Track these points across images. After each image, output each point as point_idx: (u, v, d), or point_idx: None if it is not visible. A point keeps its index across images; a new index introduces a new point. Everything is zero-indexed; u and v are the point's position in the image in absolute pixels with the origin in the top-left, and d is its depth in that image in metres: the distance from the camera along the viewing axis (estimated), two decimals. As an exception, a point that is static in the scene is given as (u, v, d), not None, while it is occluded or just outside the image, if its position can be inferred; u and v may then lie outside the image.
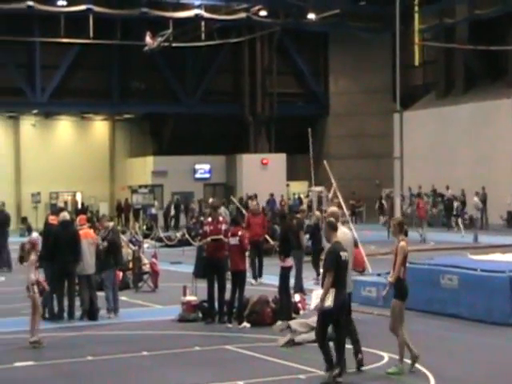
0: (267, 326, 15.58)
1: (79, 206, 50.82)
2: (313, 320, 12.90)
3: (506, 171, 43.47)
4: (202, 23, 49.25)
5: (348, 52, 53.84)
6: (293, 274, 18.18)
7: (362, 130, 54.03)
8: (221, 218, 17.11)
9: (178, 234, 36.27)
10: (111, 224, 18.58)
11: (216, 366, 12.71)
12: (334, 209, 13.25)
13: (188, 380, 12.05)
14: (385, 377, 11.76)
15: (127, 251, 22.05)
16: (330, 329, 11.50)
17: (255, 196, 39.52)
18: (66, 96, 49.93)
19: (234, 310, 16.17)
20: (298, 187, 53.12)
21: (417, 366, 11.98)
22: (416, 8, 45.89)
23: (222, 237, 16.40)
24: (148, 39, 42.73)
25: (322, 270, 12.09)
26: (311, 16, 49.91)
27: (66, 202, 49.88)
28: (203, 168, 53.19)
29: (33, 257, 14.60)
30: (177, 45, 45.88)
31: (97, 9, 46.53)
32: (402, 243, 11.99)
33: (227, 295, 16.34)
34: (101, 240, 17.48)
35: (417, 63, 47.02)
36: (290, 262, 17.13)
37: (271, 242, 26.61)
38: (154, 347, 14.09)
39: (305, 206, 34.71)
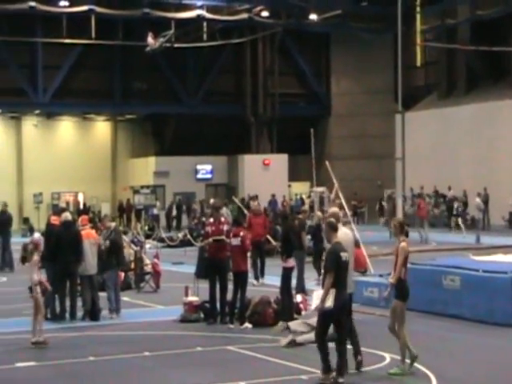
0: (269, 326, 15.58)
1: (81, 206, 50.84)
2: (314, 320, 12.89)
3: (507, 172, 43.44)
4: (204, 24, 49.27)
5: (350, 52, 53.82)
6: (295, 274, 18.17)
7: (363, 131, 54.01)
8: (222, 219, 17.11)
9: (180, 235, 36.24)
10: (113, 224, 18.59)
11: (218, 367, 12.71)
12: (334, 209, 13.26)
13: (190, 380, 12.05)
14: (386, 377, 11.76)
15: (129, 252, 22.05)
16: (331, 329, 11.51)
17: (256, 196, 39.51)
18: (67, 96, 49.94)
19: (235, 311, 16.16)
20: (300, 188, 53.12)
21: (418, 366, 11.98)
22: (418, 9, 45.77)
23: (223, 237, 16.40)
24: (150, 40, 42.73)
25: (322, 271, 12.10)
26: (313, 16, 49.94)
27: (67, 203, 49.86)
28: (205, 168, 53.21)
29: (35, 257, 14.61)
30: (179, 45, 45.91)
31: (99, 9, 46.55)
32: (403, 244, 11.99)
33: (229, 296, 16.35)
34: (103, 240, 17.48)
35: (419, 64, 46.90)
36: (291, 262, 17.11)
37: (273, 242, 26.60)
38: (155, 348, 14.09)
39: (306, 207, 34.68)
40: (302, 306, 17.14)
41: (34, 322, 14.39)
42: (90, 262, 17.16)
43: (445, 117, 47.96)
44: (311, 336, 13.58)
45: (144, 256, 22.68)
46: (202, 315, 16.66)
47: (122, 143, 55.58)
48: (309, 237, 22.30)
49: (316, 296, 11.55)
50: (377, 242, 30.83)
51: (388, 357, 12.80)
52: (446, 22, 49.19)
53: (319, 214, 24.29)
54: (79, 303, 17.23)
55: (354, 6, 50.37)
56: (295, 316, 16.17)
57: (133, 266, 21.90)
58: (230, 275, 16.66)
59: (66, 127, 54.57)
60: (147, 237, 34.00)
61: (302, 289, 19.20)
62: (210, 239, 16.55)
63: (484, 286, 15.84)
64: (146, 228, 39.60)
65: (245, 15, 48.72)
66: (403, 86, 35.00)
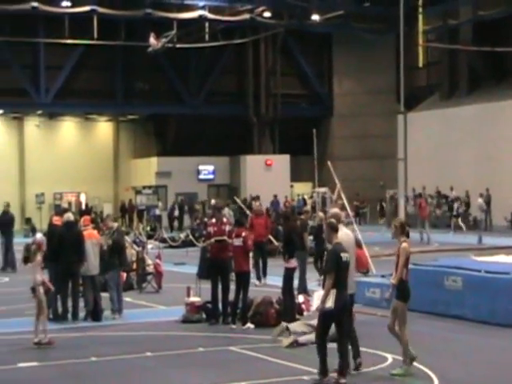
0: (271, 327, 15.54)
1: (83, 206, 50.79)
2: (315, 322, 12.89)
3: (510, 172, 43.39)
4: (206, 24, 49.34)
5: (352, 53, 53.80)
6: (297, 275, 18.17)
7: (365, 131, 54.00)
8: (224, 219, 17.14)
9: (182, 235, 36.25)
10: (116, 224, 18.58)
11: (220, 367, 12.71)
12: (335, 210, 13.26)
13: (191, 381, 12.06)
14: (389, 378, 11.75)
15: (131, 252, 22.03)
16: (332, 329, 11.50)
17: (257, 197, 39.54)
18: (70, 97, 49.98)
19: (237, 311, 16.17)
20: (302, 188, 53.10)
21: (420, 367, 11.98)
22: (420, 9, 45.99)
23: (225, 238, 16.41)
24: (152, 40, 42.76)
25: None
26: (315, 17, 49.95)
27: (70, 203, 49.88)
28: (207, 169, 53.24)
29: (38, 258, 14.63)
30: (181, 46, 45.96)
31: (101, 10, 46.62)
32: (404, 244, 11.97)
33: (231, 296, 16.35)
34: (109, 240, 17.42)
35: (421, 64, 47.10)
36: (293, 263, 17.11)
37: (275, 242, 26.60)
38: (157, 348, 14.10)
39: (309, 207, 34.70)
40: (304, 306, 17.14)
41: (36, 322, 14.41)
42: (92, 263, 17.16)
43: (447, 117, 47.93)
44: (313, 336, 13.59)
45: (146, 256, 22.66)
46: (204, 316, 16.65)
47: (124, 143, 55.62)
48: (311, 237, 22.29)
49: (317, 297, 11.58)
50: (379, 243, 30.81)
51: (390, 357, 12.79)
52: (448, 22, 49.18)
53: (321, 214, 24.28)
54: (81, 303, 17.23)
55: (356, 7, 50.41)
56: (297, 317, 16.16)
57: (135, 266, 21.89)
58: (232, 276, 16.65)
59: (68, 127, 54.62)
60: (149, 237, 34.00)
61: (304, 289, 19.19)
62: (212, 240, 16.55)
63: (486, 286, 15.83)
64: (148, 228, 39.59)
65: (247, 16, 48.75)
66: (405, 86, 35.05)
